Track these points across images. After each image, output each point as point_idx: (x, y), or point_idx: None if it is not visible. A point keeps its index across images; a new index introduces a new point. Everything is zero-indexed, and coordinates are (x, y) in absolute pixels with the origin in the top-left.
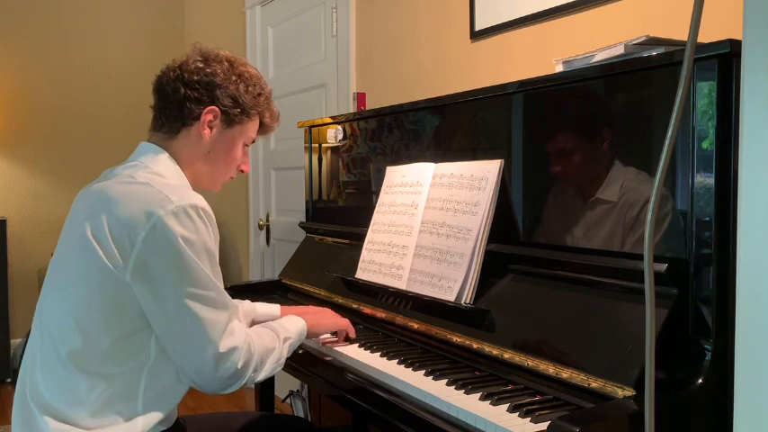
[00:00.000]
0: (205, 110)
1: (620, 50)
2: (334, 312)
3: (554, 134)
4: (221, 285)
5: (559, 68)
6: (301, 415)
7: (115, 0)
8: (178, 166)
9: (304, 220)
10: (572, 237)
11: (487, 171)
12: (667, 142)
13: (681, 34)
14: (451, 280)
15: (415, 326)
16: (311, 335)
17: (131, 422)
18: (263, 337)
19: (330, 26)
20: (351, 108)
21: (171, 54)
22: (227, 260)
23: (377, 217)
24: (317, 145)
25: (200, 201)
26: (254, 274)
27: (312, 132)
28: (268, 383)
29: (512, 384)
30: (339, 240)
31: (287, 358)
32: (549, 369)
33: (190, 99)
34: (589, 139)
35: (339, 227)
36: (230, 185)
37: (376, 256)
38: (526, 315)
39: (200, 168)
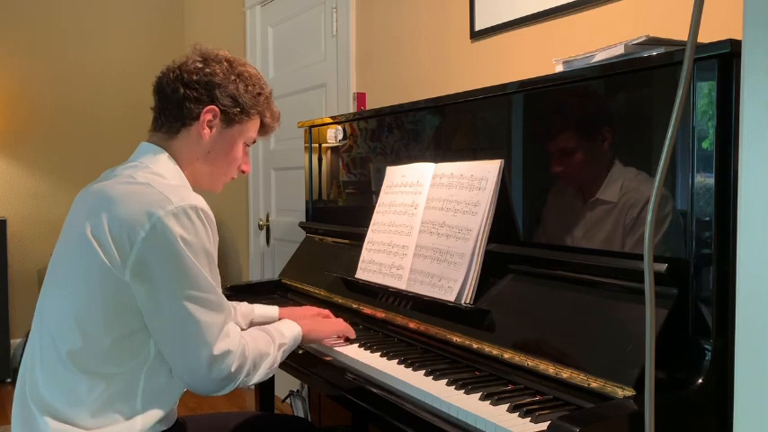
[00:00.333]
0: (204, 109)
1: (620, 50)
2: (331, 320)
3: (554, 134)
4: (219, 288)
5: (559, 68)
6: (301, 415)
7: (115, 0)
8: (178, 167)
9: (304, 220)
10: (572, 237)
11: (487, 171)
12: (667, 142)
13: (681, 34)
14: (451, 280)
15: (415, 326)
16: (307, 341)
17: (131, 421)
18: (259, 340)
19: (330, 26)
20: (351, 108)
21: (171, 54)
22: (227, 260)
23: (377, 217)
24: (317, 145)
25: (199, 202)
26: (254, 274)
27: (312, 132)
28: (268, 383)
29: (512, 384)
30: (339, 240)
31: (287, 359)
32: (549, 369)
33: (189, 99)
34: (589, 140)
35: (339, 227)
36: (230, 185)
37: (376, 256)
38: (526, 315)
39: (200, 168)
